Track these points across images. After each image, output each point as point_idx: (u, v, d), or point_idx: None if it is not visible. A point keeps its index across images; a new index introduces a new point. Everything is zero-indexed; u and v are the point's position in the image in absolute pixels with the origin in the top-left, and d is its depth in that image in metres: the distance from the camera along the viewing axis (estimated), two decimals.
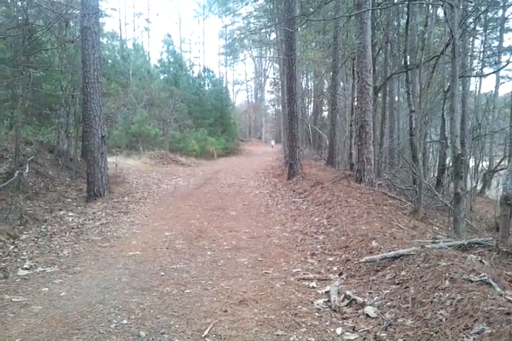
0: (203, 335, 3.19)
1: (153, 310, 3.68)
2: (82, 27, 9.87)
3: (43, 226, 7.02)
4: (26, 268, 4.85)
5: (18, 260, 5.17)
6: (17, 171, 8.55)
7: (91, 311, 3.64)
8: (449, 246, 4.37)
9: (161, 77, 30.60)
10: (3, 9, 13.17)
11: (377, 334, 3.11)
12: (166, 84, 28.01)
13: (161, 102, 25.48)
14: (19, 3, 11.55)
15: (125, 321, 3.45)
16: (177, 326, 3.37)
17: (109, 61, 25.76)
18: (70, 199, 9.67)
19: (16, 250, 5.57)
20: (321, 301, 3.88)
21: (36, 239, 6.19)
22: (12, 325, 3.38)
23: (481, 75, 19.04)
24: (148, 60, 32.93)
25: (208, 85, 32.30)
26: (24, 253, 5.48)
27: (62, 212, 8.28)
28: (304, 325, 3.36)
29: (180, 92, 26.67)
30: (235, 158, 29.86)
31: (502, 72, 24.15)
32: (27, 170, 8.99)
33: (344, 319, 3.51)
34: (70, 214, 8.25)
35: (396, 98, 20.35)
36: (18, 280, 4.49)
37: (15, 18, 11.55)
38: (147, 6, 64.73)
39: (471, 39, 18.49)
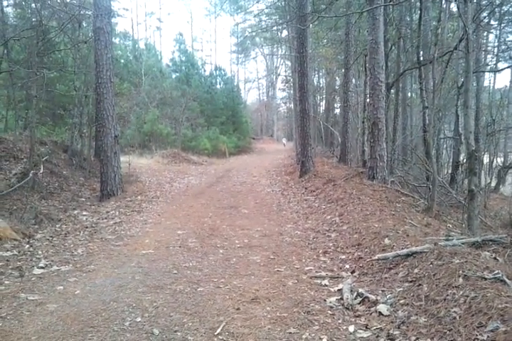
0: (215, 333, 3.21)
1: (167, 308, 3.70)
2: (95, 27, 9.97)
3: (57, 226, 7.13)
4: (41, 267, 4.91)
5: (34, 259, 5.24)
6: (32, 171, 8.66)
7: (105, 309, 3.68)
8: (462, 244, 4.33)
9: (173, 76, 30.66)
10: (18, 11, 13.38)
11: (390, 332, 3.10)
12: (178, 83, 28.06)
13: (173, 101, 25.56)
14: (33, 4, 11.68)
15: (139, 319, 3.48)
16: (190, 324, 3.39)
17: (122, 61, 25.91)
18: (83, 199, 9.78)
19: (31, 249, 5.65)
20: (333, 299, 3.87)
21: (51, 238, 6.28)
22: (28, 323, 3.43)
23: (495, 70, 18.80)
24: (160, 60, 33.05)
25: (220, 84, 32.33)
26: (39, 252, 5.55)
27: (76, 211, 8.38)
28: (316, 323, 3.36)
29: (192, 91, 26.69)
30: (246, 156, 29.82)
31: None
32: (41, 170, 9.10)
33: (357, 317, 3.50)
34: (84, 213, 8.34)
35: (409, 94, 20.12)
36: (33, 278, 4.55)
37: (29, 20, 11.74)
38: (159, 6, 64.74)
39: (485, 34, 18.21)
